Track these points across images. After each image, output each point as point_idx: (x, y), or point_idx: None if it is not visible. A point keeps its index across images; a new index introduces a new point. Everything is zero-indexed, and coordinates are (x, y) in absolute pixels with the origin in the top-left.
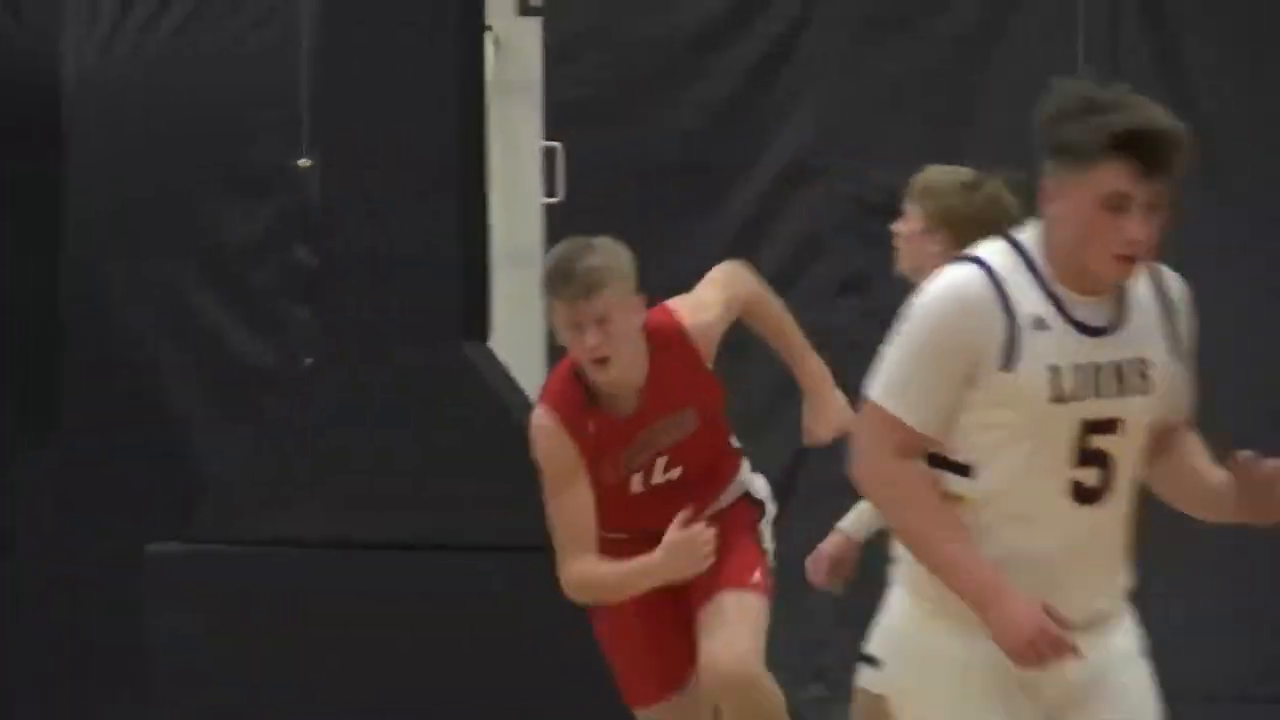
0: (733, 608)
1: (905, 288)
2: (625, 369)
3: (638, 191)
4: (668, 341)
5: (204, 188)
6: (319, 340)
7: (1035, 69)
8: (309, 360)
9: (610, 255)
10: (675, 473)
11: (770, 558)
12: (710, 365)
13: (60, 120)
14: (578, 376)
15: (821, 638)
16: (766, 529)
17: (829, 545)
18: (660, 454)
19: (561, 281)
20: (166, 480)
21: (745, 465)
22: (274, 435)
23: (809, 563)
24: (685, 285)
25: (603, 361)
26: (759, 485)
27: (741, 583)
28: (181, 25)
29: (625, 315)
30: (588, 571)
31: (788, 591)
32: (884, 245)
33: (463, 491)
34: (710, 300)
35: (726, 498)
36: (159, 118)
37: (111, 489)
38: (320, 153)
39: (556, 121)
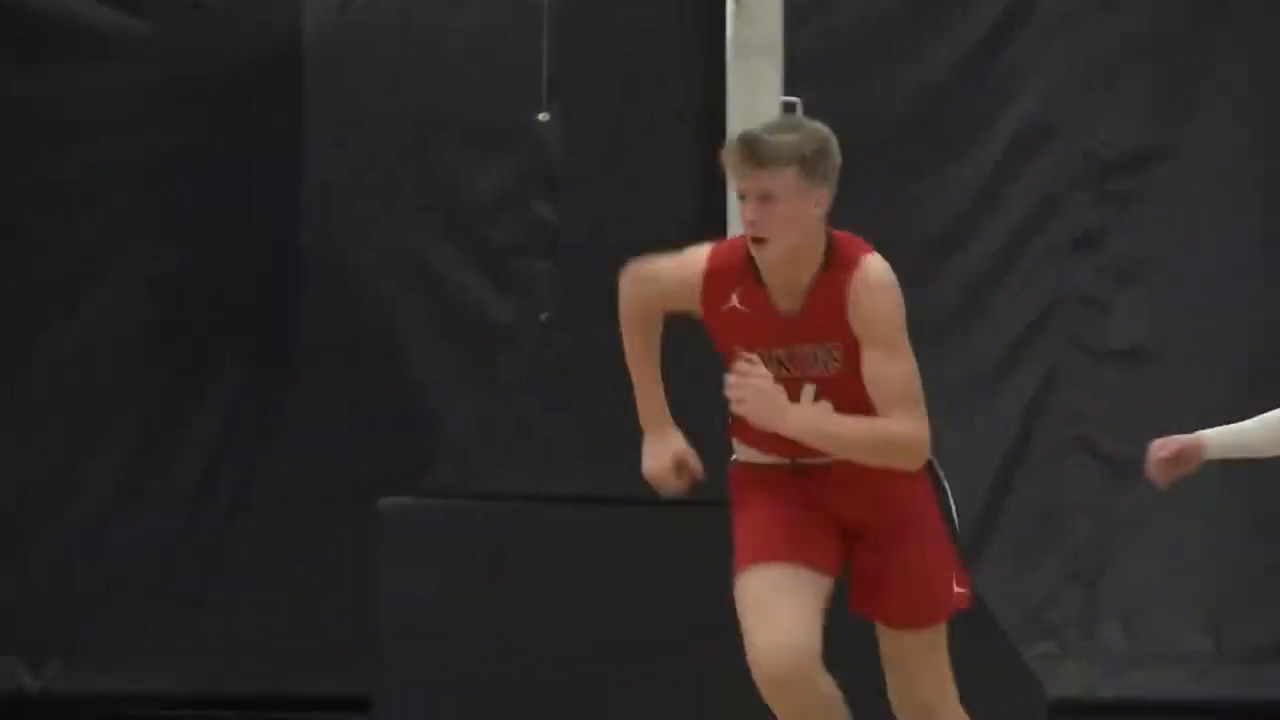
0: (926, 651)
1: (1142, 242)
2: (784, 257)
3: (877, 149)
4: (847, 265)
5: (443, 143)
6: (556, 296)
7: (1273, 28)
8: (545, 316)
9: (803, 136)
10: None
11: (955, 527)
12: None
13: (301, 77)
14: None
15: (1052, 595)
16: (948, 499)
17: (1185, 438)
18: (809, 380)
19: (735, 147)
20: (404, 435)
21: None
22: (511, 390)
23: (1157, 443)
24: (923, 243)
25: (759, 242)
26: None
27: (938, 615)
28: None
29: (796, 200)
30: (631, 296)
31: (1019, 550)
32: (1119, 202)
33: (698, 446)
34: (894, 306)
35: None
36: (398, 74)
37: (349, 443)
38: (561, 109)
39: (796, 80)
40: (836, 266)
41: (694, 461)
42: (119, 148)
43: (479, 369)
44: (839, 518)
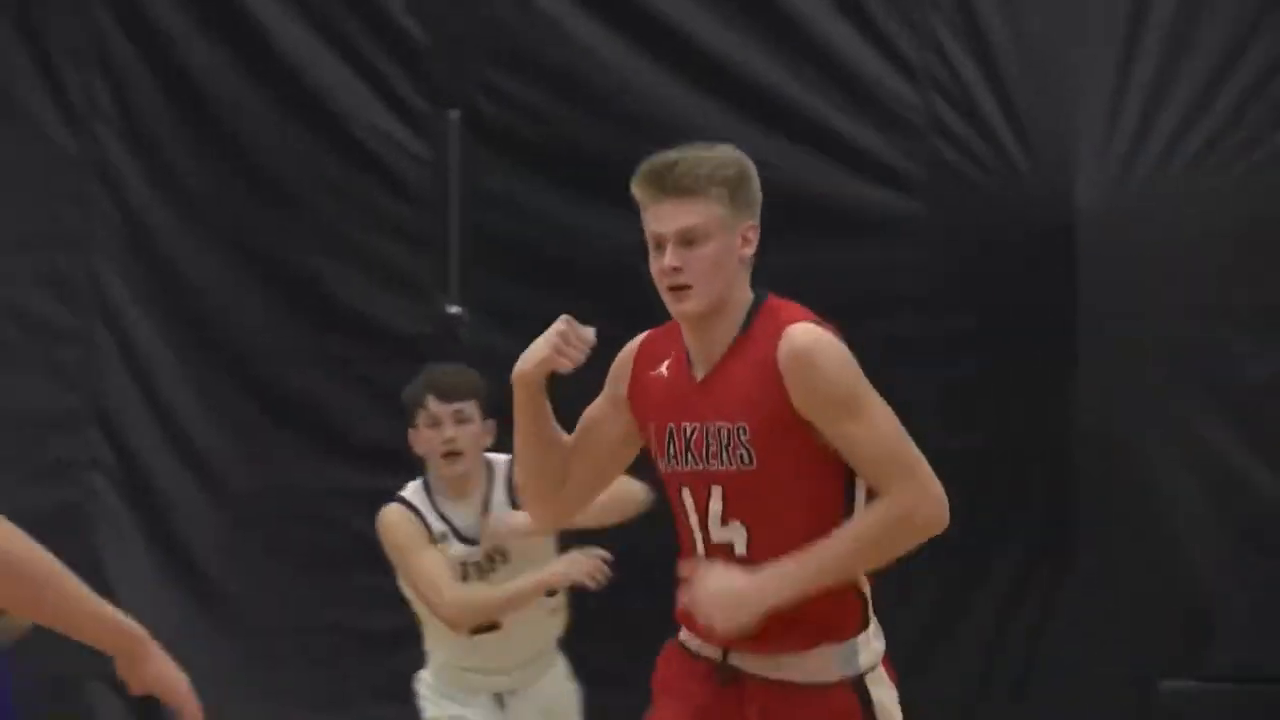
0: None
1: None
2: (708, 308)
3: None
4: (768, 334)
5: (1219, 323)
6: None
7: None
8: None
9: (726, 162)
10: (739, 538)
11: None
12: (795, 413)
13: (1074, 254)
14: None
15: None
16: None
17: None
18: (715, 480)
19: (648, 176)
20: (1180, 615)
21: (867, 635)
22: None
23: None
24: None
25: (680, 290)
26: (880, 682)
27: None
28: (1194, 158)
29: (724, 239)
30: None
31: None
32: None
33: None
34: (840, 365)
35: (812, 665)
36: (1172, 252)
37: (1124, 622)
38: None
39: None
40: (757, 333)
41: (574, 327)
42: (899, 326)
43: (1257, 549)
44: None
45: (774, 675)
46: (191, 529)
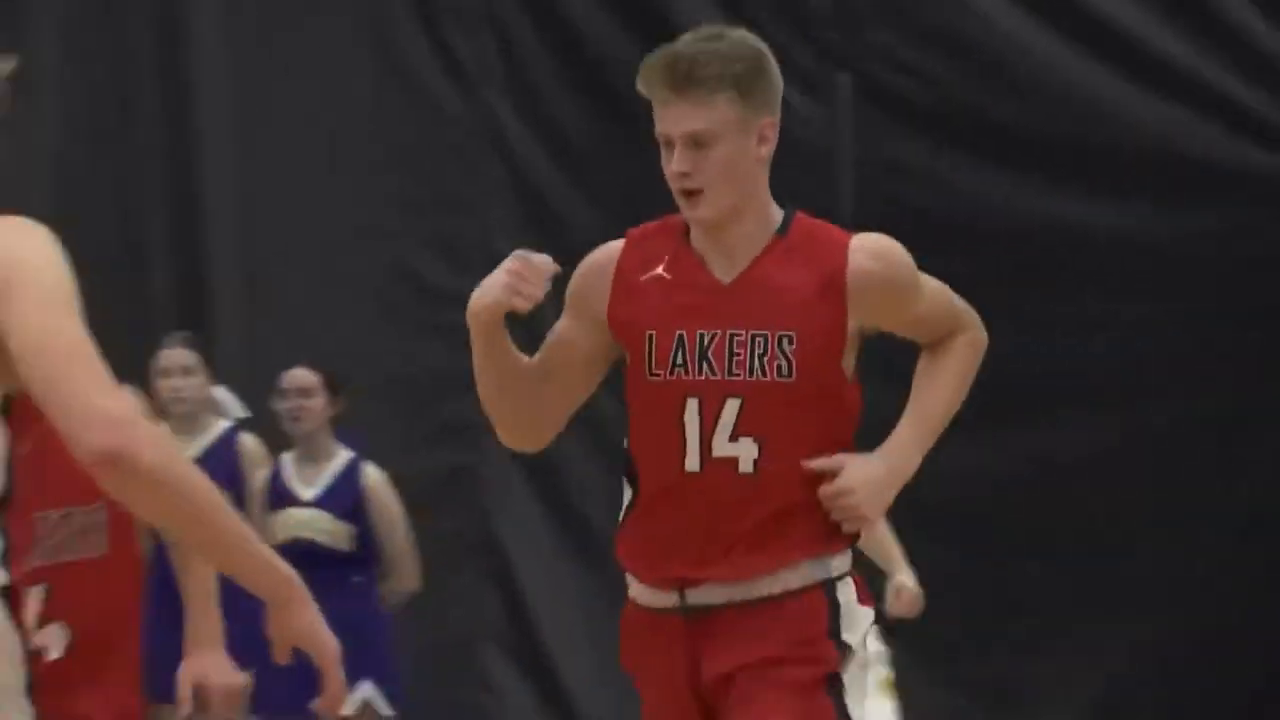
0: None
1: None
2: (725, 213)
3: None
4: (823, 240)
5: None
6: None
7: None
8: None
9: (737, 56)
10: (749, 455)
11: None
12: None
13: None
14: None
15: None
16: (862, 679)
17: None
18: (735, 391)
19: (654, 70)
20: None
21: (845, 555)
22: None
23: None
24: None
25: (691, 196)
26: (851, 596)
27: None
28: None
29: (738, 141)
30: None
31: None
32: None
33: None
34: (908, 257)
35: (792, 576)
36: None
37: None
38: None
39: None
40: (802, 241)
41: (529, 261)
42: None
43: None
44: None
45: (740, 598)
46: (588, 499)
